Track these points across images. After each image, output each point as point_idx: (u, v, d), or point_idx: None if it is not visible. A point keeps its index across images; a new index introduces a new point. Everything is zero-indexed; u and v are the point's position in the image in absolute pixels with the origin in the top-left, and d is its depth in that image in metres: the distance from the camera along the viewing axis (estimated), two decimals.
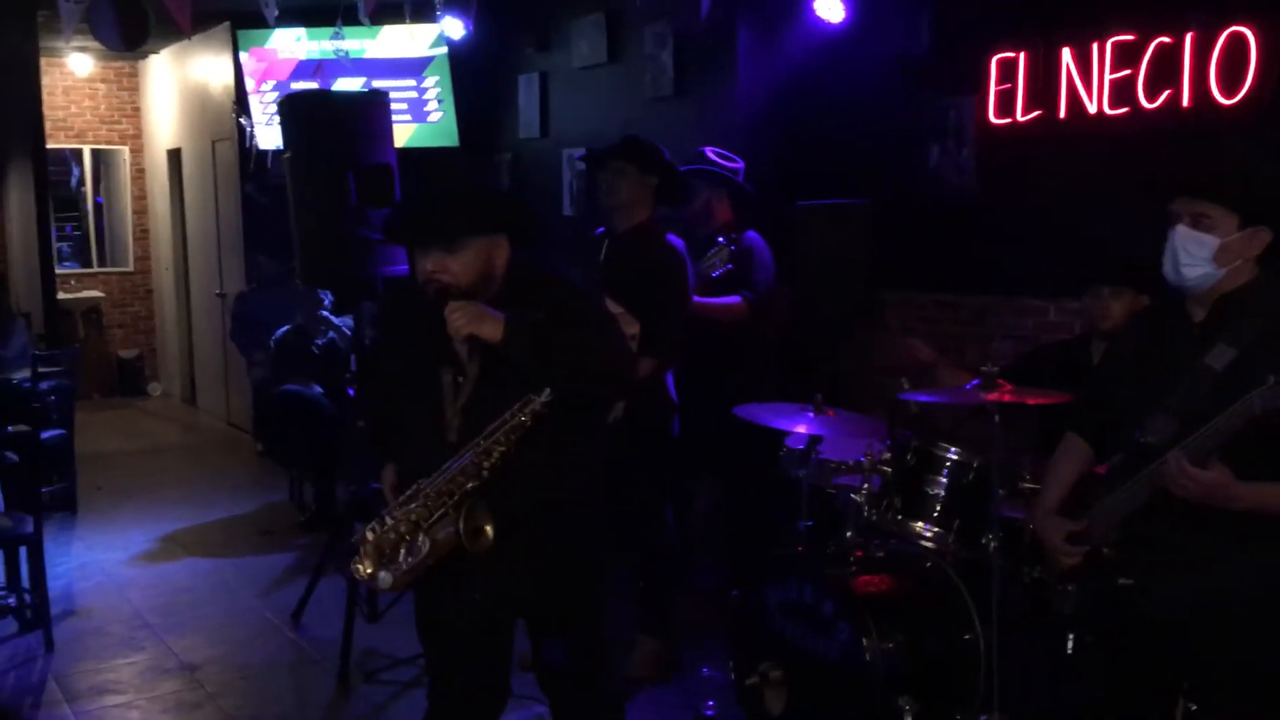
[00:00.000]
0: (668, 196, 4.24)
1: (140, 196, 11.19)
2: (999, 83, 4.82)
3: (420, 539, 2.55)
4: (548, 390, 2.55)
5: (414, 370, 2.76)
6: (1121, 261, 3.57)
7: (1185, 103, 4.17)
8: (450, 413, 2.66)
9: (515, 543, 2.65)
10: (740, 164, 4.86)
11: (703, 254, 4.55)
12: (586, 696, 2.93)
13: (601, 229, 4.30)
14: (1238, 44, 4.00)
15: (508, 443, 2.56)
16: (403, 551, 2.56)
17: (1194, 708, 2.81)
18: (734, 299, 4.62)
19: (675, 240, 4.18)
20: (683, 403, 4.26)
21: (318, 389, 6.64)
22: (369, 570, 2.58)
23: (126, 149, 11.13)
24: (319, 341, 6.85)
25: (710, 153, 4.85)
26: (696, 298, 4.36)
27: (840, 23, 5.37)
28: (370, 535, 2.58)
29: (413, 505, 2.58)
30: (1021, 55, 4.73)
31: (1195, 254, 2.51)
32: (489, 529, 2.58)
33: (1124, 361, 2.81)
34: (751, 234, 4.74)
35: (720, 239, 4.58)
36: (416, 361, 2.75)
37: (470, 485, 2.56)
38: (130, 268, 11.30)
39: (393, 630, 4.61)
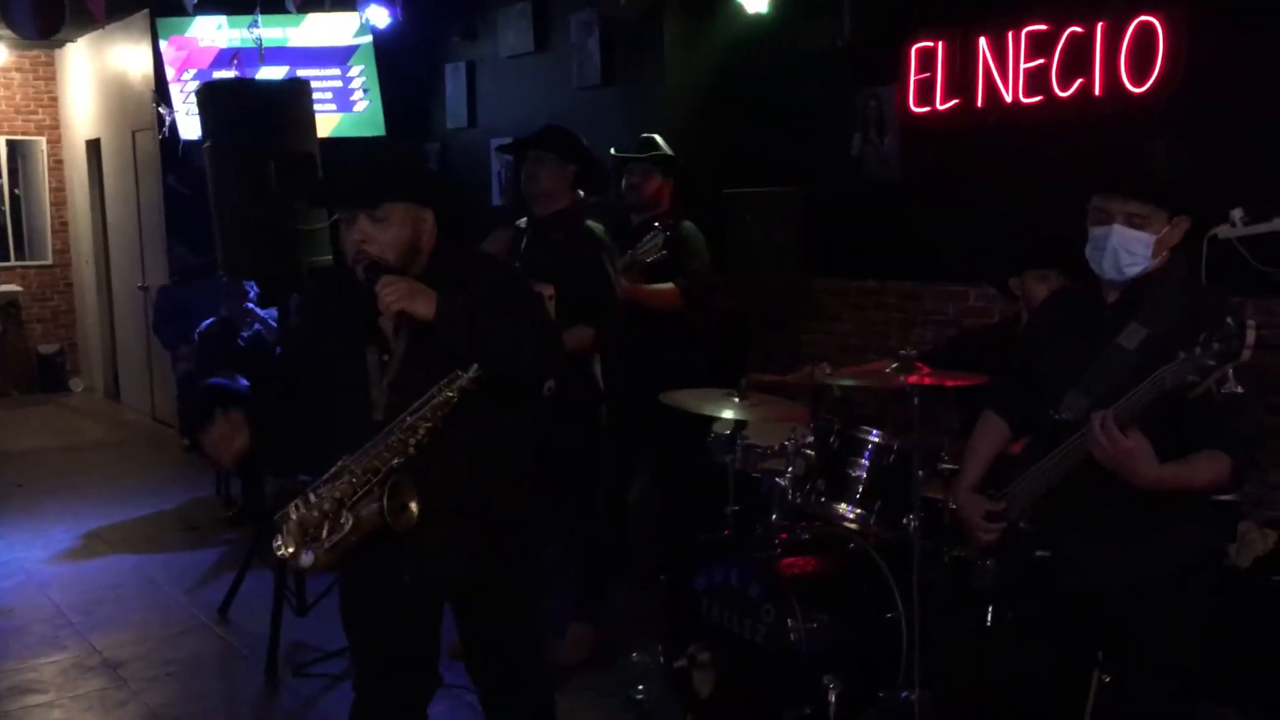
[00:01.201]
0: (588, 184, 4.27)
1: (59, 188, 10.94)
2: (919, 72, 4.90)
3: (344, 516, 2.51)
4: (475, 366, 2.52)
5: (339, 351, 2.72)
6: (1047, 245, 3.63)
7: (1097, 91, 4.27)
8: (376, 391, 2.63)
9: (444, 523, 2.64)
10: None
11: (637, 240, 4.57)
12: (518, 684, 2.94)
13: (524, 219, 4.31)
14: (1146, 33, 4.11)
15: (434, 419, 2.54)
16: (326, 529, 2.51)
17: (1107, 679, 2.90)
18: (668, 286, 4.66)
19: (595, 224, 4.22)
20: (616, 390, 4.29)
21: (244, 382, 6.56)
22: (291, 549, 2.54)
23: (44, 139, 10.87)
24: (244, 334, 6.76)
25: (659, 140, 4.89)
26: (630, 284, 4.40)
27: (765, 12, 5.41)
28: (293, 513, 2.55)
29: (337, 483, 2.55)
30: (940, 44, 4.81)
31: (1136, 252, 2.57)
32: (414, 506, 2.55)
33: (1039, 342, 2.89)
34: (687, 222, 4.79)
35: (655, 224, 4.61)
36: (341, 342, 2.72)
37: (396, 462, 2.53)
38: (49, 261, 11.05)
39: (321, 623, 4.56)
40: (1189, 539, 2.63)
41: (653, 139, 4.92)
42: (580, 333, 3.96)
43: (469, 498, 2.68)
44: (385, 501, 2.50)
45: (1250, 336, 2.27)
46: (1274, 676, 3.39)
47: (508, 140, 6.93)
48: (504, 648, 2.88)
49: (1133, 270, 2.58)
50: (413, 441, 2.54)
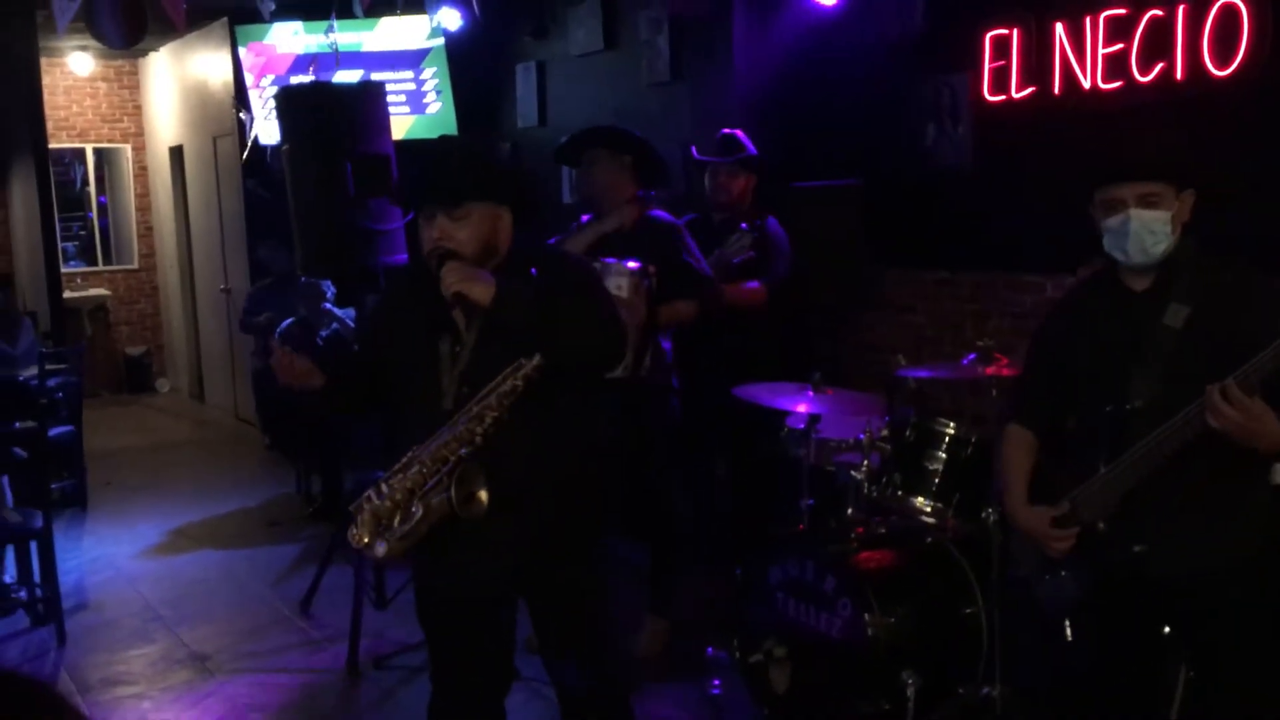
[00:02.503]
0: (649, 176, 4.26)
1: (143, 194, 11.23)
2: (993, 60, 4.82)
3: (414, 506, 2.55)
4: (538, 355, 2.56)
5: (412, 342, 2.77)
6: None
7: (1179, 75, 4.17)
8: (446, 381, 2.68)
9: (513, 516, 2.66)
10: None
11: (721, 239, 4.57)
12: (590, 677, 2.92)
13: (587, 216, 4.32)
14: (1229, 15, 3.99)
15: (500, 408, 2.57)
16: (397, 519, 2.55)
17: (1193, 674, 2.84)
18: (755, 284, 4.66)
19: (660, 212, 4.24)
20: (689, 384, 4.30)
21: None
22: (365, 539, 2.58)
23: (129, 147, 11.17)
24: (323, 333, 6.88)
25: (741, 135, 4.88)
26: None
27: (834, 4, 5.37)
28: (366, 504, 2.59)
29: (408, 472, 2.58)
30: (1015, 32, 4.72)
31: (1159, 231, 2.58)
32: (483, 495, 2.57)
33: (1066, 343, 2.82)
34: (773, 221, 4.79)
35: (743, 225, 4.61)
36: (415, 333, 2.77)
37: (464, 451, 2.56)
38: (135, 265, 11.35)
39: (400, 616, 4.64)
40: (1274, 517, 2.61)
41: (734, 137, 4.91)
42: (682, 306, 3.98)
43: (532, 488, 2.70)
44: (453, 491, 2.54)
45: None
46: None
47: None
48: (573, 640, 2.88)
49: (1158, 249, 2.59)
50: (479, 430, 2.57)
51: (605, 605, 2.92)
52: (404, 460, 2.62)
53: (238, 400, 9.50)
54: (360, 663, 4.42)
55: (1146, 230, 2.58)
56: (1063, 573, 2.87)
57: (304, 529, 6.35)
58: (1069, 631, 3.15)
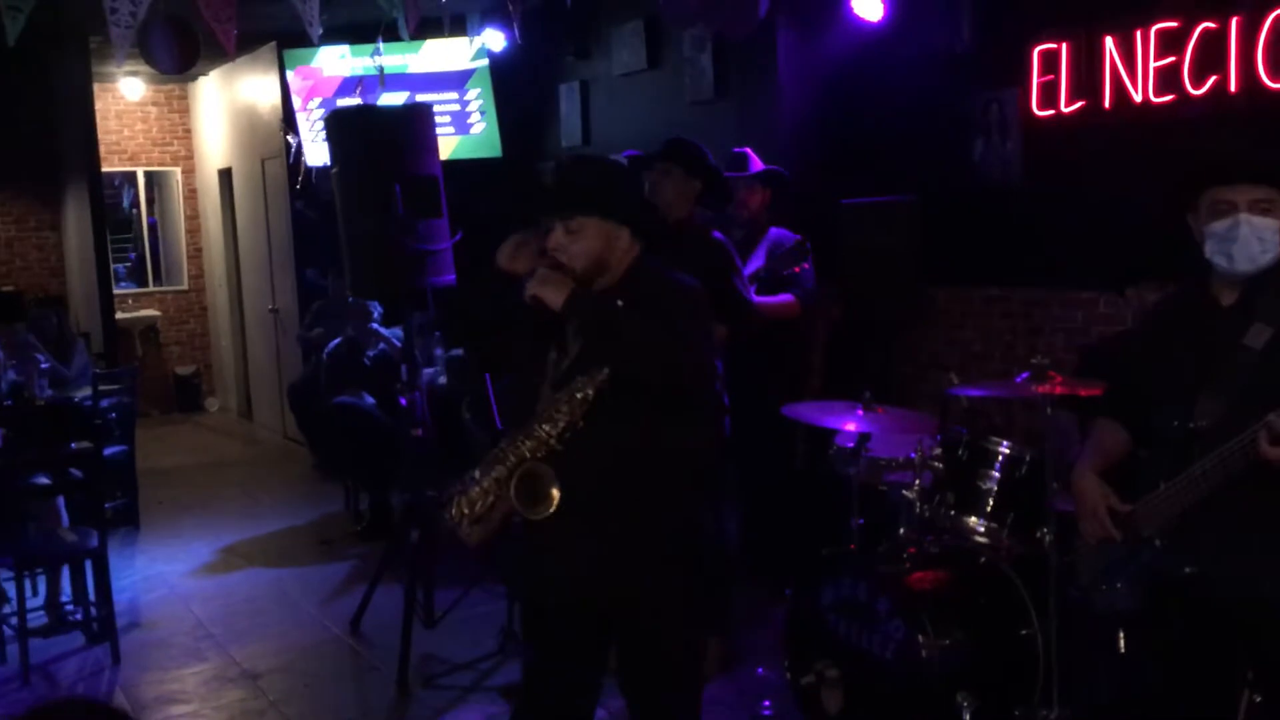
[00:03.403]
0: (711, 200, 4.31)
1: (193, 216, 11.40)
2: (1041, 74, 4.79)
3: (490, 497, 2.68)
4: (605, 368, 2.62)
5: (533, 351, 2.84)
6: (1162, 254, 3.53)
7: (1232, 88, 4.12)
8: (544, 389, 2.75)
9: (587, 524, 2.69)
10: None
11: (744, 252, 4.59)
12: (657, 708, 2.85)
13: None
14: None
15: (571, 414, 2.63)
16: (478, 507, 2.68)
17: (1259, 699, 2.78)
18: (786, 297, 4.67)
19: (715, 231, 4.26)
20: (737, 400, 4.29)
21: (370, 400, 6.73)
22: (457, 521, 2.71)
23: (178, 170, 11.34)
24: (370, 353, 6.93)
25: (750, 152, 4.95)
26: (756, 297, 4.43)
27: (879, 20, 5.35)
28: (458, 494, 2.71)
29: (495, 466, 2.68)
30: (1064, 46, 4.69)
31: (1268, 239, 2.51)
32: (554, 494, 2.63)
33: (1153, 349, 2.78)
34: (778, 231, 4.85)
35: (799, 237, 4.64)
36: (537, 344, 2.83)
37: (530, 451, 2.64)
38: (185, 286, 11.51)
39: (450, 635, 4.67)
40: None
41: (744, 154, 4.99)
42: (715, 331, 3.97)
43: (606, 499, 2.70)
44: (514, 486, 2.62)
45: None
46: None
47: (621, 156, 7.03)
48: (643, 667, 2.83)
49: (1266, 259, 2.51)
50: (550, 432, 2.63)
51: (678, 636, 2.83)
52: (491, 454, 2.72)
53: (285, 419, 9.58)
54: (409, 682, 4.43)
55: (1256, 237, 2.50)
56: (1118, 585, 2.84)
57: (353, 547, 6.39)
58: (1122, 643, 3.13)
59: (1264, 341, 2.49)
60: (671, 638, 2.82)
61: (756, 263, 4.74)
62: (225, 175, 10.40)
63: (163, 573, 6.06)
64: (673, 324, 2.70)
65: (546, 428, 2.63)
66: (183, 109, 11.27)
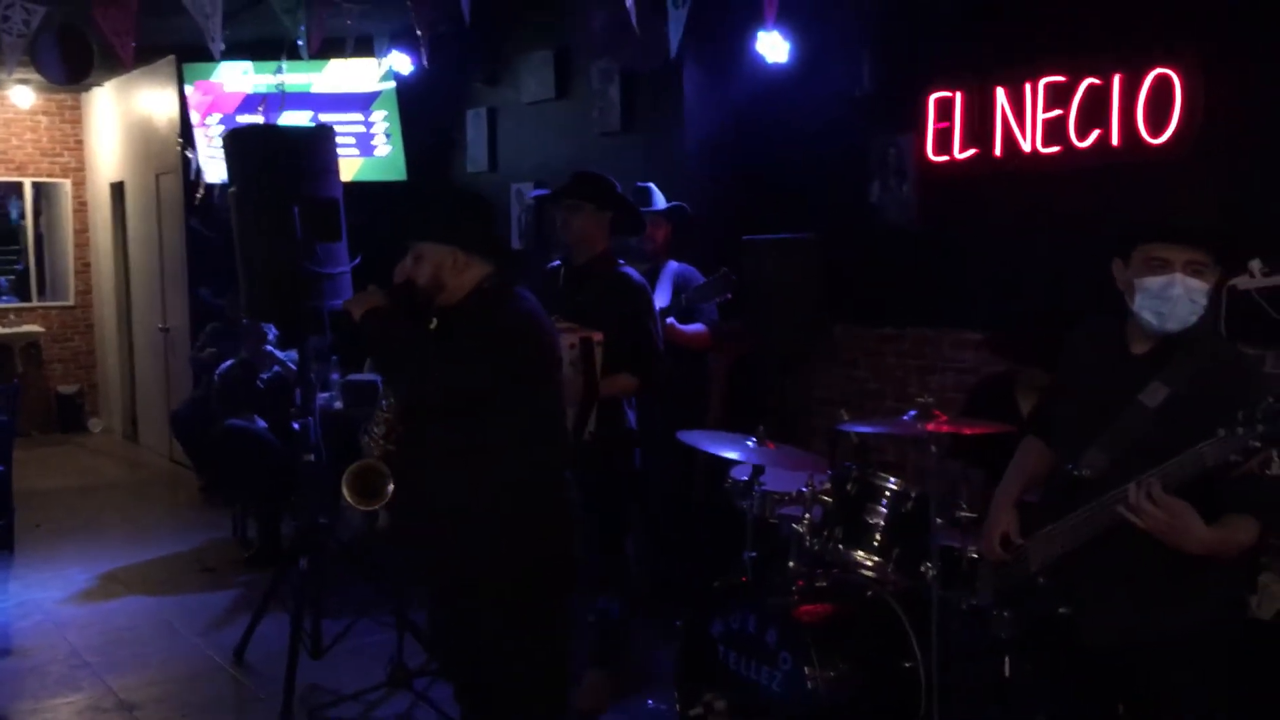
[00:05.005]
0: (624, 228, 4.33)
1: (82, 230, 11.07)
2: (937, 121, 4.94)
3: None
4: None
5: None
6: (1033, 342, 3.72)
7: (1115, 142, 4.30)
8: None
9: (429, 516, 3.05)
10: None
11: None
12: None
13: (556, 261, 4.35)
14: (1163, 85, 4.13)
15: (388, 419, 3.21)
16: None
17: None
18: (699, 327, 4.75)
19: (632, 270, 4.27)
20: (646, 431, 4.32)
21: (262, 423, 6.59)
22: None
23: (68, 182, 11.01)
24: (264, 376, 6.80)
25: (653, 188, 5.03)
26: (674, 323, 4.61)
27: (784, 62, 5.47)
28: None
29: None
30: (958, 94, 4.85)
31: (1199, 302, 2.54)
32: (387, 489, 3.25)
33: (1067, 385, 2.87)
34: (675, 264, 4.94)
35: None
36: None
37: (366, 441, 3.25)
38: (71, 302, 11.15)
39: (337, 666, 4.58)
40: (1214, 592, 2.61)
41: (648, 189, 5.07)
42: (623, 380, 4.00)
43: (433, 494, 3.03)
44: (346, 482, 3.20)
45: None
46: None
47: (529, 185, 7.06)
48: (484, 685, 3.13)
49: (1193, 319, 2.55)
50: (378, 435, 3.24)
51: (518, 665, 3.07)
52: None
53: (172, 442, 9.33)
54: (294, 712, 4.33)
55: (1189, 298, 2.53)
56: (1005, 614, 2.97)
57: (238, 575, 6.23)
58: (1007, 668, 3.23)
59: (1159, 400, 2.53)
60: (504, 668, 3.06)
61: (662, 299, 4.79)
62: (118, 189, 10.14)
63: (38, 599, 5.83)
64: (467, 348, 2.95)
65: (376, 430, 3.18)
66: (75, 119, 10.96)
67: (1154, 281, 2.55)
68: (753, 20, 5.33)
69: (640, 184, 5.10)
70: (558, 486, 3.14)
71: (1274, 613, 3.48)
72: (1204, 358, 2.55)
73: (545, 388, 3.11)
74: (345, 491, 2.93)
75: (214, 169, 7.94)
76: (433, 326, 3.09)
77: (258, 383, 6.77)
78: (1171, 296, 2.53)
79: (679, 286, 4.88)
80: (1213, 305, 2.67)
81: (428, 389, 2.99)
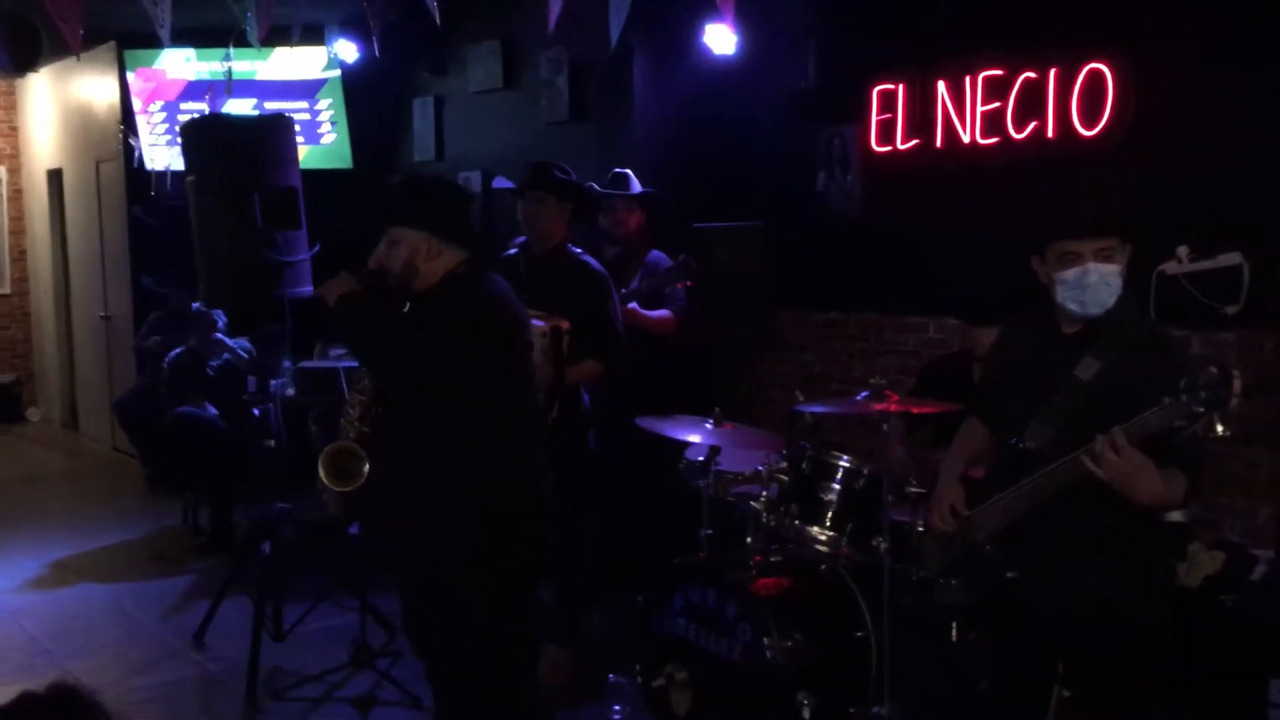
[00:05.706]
0: (581, 216, 4.43)
1: (17, 217, 10.87)
2: (880, 112, 5.10)
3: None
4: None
5: None
6: (988, 301, 3.87)
7: (1050, 134, 4.48)
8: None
9: (404, 501, 3.09)
10: None
11: (619, 273, 4.74)
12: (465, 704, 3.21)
13: (513, 249, 4.43)
14: (1096, 79, 4.32)
15: (362, 402, 3.27)
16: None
17: (1067, 693, 3.06)
18: (664, 313, 4.85)
19: (591, 258, 4.38)
20: (603, 414, 4.42)
21: (212, 410, 6.59)
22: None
23: (3, 169, 10.81)
24: (213, 363, 6.79)
25: (630, 174, 5.09)
26: (637, 308, 4.68)
27: (731, 54, 5.59)
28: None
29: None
30: (900, 87, 5.01)
31: (1114, 284, 2.74)
32: (363, 470, 3.27)
33: (1003, 369, 3.06)
34: (655, 253, 4.99)
35: (683, 256, 4.79)
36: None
37: (342, 423, 3.29)
38: (7, 290, 10.96)
39: (299, 648, 4.64)
40: (1150, 557, 2.82)
41: (625, 174, 5.10)
42: (589, 367, 4.10)
43: (407, 477, 3.08)
44: (322, 464, 3.24)
45: (1237, 385, 2.41)
46: (1219, 693, 3.56)
47: (474, 173, 7.11)
48: (454, 666, 3.19)
49: (1112, 300, 2.74)
50: (352, 417, 3.30)
51: (487, 645, 3.13)
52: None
53: (114, 430, 9.24)
54: (258, 694, 4.39)
55: (1104, 282, 2.72)
56: (954, 582, 3.17)
57: (191, 562, 6.23)
58: (955, 633, 3.41)
59: (1091, 374, 2.73)
60: (473, 648, 3.13)
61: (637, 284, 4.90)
62: (55, 176, 9.98)
63: None
64: (439, 334, 2.99)
65: (352, 412, 3.22)
66: (9, 105, 10.75)
67: (1070, 274, 2.75)
68: (700, 12, 5.45)
69: (618, 169, 5.16)
70: (535, 478, 3.19)
71: (1200, 580, 3.69)
72: (1130, 331, 2.76)
73: (518, 375, 3.16)
74: (321, 473, 2.95)
75: (158, 156, 7.88)
76: (405, 311, 3.14)
77: (207, 370, 6.77)
78: (1089, 284, 2.73)
79: (646, 272, 4.96)
80: (1134, 283, 2.87)
81: (401, 374, 3.01)
